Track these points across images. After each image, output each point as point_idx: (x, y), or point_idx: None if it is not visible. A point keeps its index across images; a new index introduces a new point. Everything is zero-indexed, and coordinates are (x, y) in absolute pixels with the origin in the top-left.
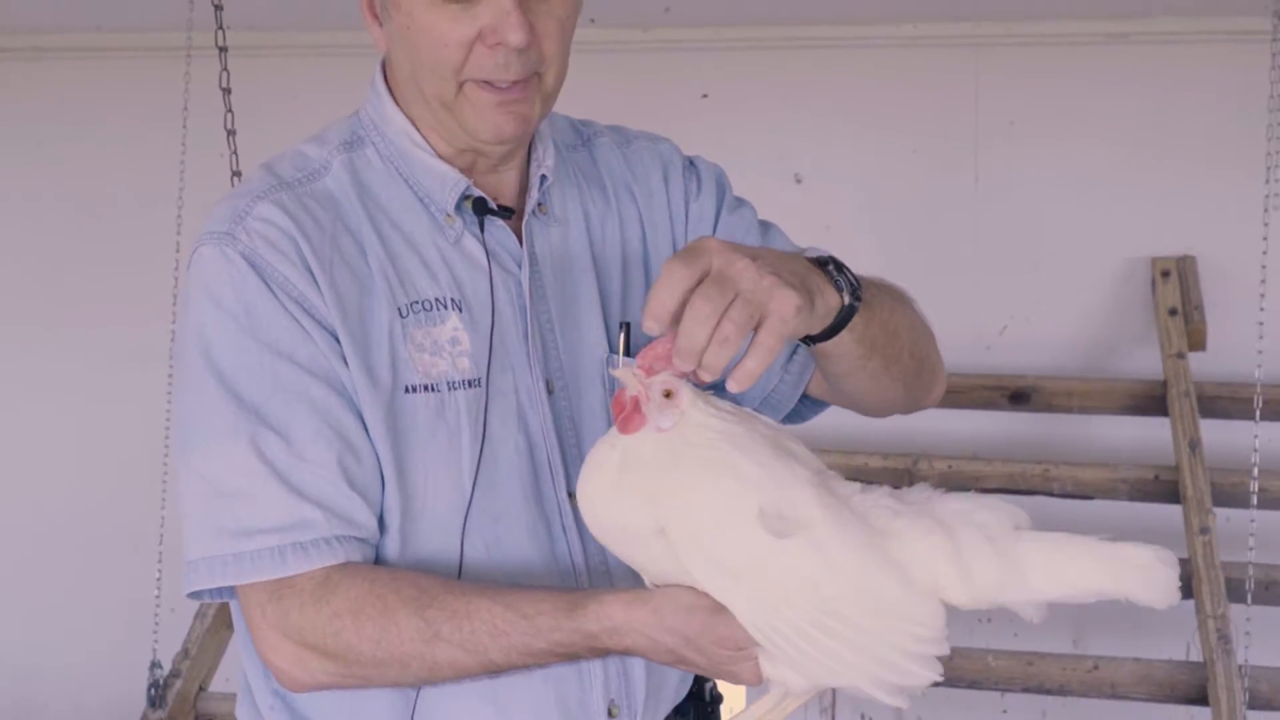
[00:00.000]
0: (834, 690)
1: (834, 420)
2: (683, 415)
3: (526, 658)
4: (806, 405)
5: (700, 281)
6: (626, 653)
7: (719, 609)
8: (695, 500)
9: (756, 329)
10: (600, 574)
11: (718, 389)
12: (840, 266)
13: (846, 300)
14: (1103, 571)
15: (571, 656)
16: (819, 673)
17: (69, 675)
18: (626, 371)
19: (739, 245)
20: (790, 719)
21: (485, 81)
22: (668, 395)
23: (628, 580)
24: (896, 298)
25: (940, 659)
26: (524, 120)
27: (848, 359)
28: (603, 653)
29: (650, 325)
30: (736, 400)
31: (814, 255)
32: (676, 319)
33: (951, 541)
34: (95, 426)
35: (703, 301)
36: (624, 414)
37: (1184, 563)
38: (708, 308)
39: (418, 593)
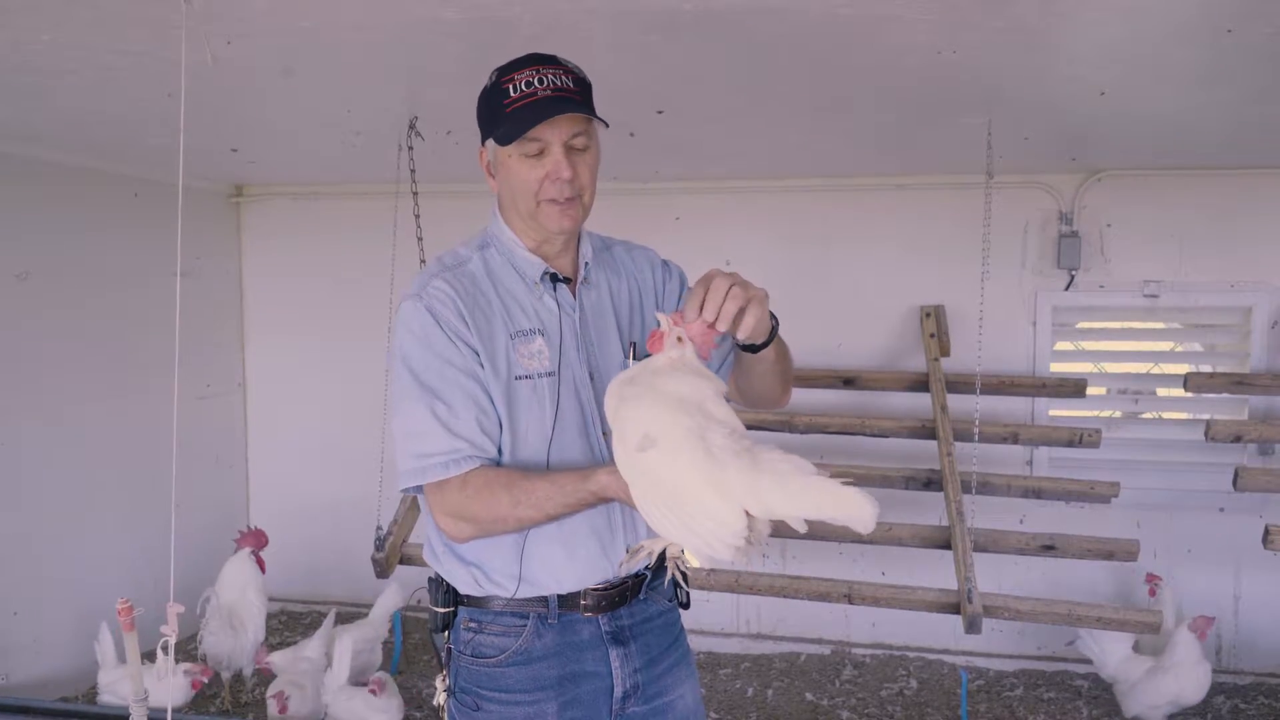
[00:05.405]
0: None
1: None
2: (682, 355)
3: (565, 509)
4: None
5: (709, 288)
6: (612, 499)
7: None
8: (625, 416)
9: (746, 312)
10: None
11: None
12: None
13: (775, 323)
14: (834, 503)
15: (589, 505)
16: (667, 533)
17: (335, 525)
18: (665, 317)
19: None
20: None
21: (551, 200)
22: (679, 340)
23: None
24: (784, 343)
25: (737, 547)
26: (573, 219)
27: (766, 363)
28: (602, 500)
29: (691, 313)
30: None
31: None
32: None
33: (760, 478)
34: (349, 396)
35: (723, 283)
36: (651, 341)
37: (936, 471)
38: (726, 287)
39: (508, 480)
